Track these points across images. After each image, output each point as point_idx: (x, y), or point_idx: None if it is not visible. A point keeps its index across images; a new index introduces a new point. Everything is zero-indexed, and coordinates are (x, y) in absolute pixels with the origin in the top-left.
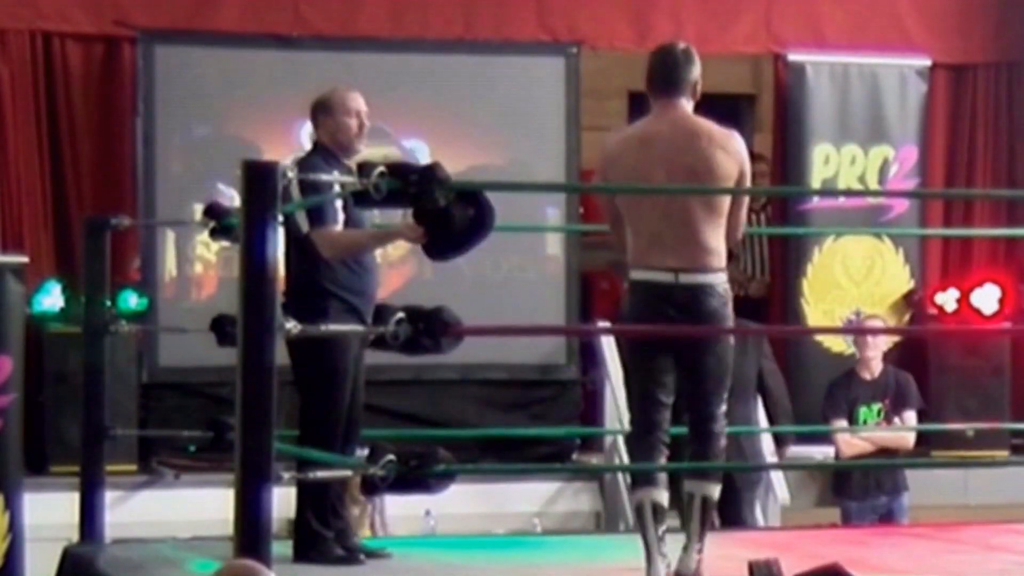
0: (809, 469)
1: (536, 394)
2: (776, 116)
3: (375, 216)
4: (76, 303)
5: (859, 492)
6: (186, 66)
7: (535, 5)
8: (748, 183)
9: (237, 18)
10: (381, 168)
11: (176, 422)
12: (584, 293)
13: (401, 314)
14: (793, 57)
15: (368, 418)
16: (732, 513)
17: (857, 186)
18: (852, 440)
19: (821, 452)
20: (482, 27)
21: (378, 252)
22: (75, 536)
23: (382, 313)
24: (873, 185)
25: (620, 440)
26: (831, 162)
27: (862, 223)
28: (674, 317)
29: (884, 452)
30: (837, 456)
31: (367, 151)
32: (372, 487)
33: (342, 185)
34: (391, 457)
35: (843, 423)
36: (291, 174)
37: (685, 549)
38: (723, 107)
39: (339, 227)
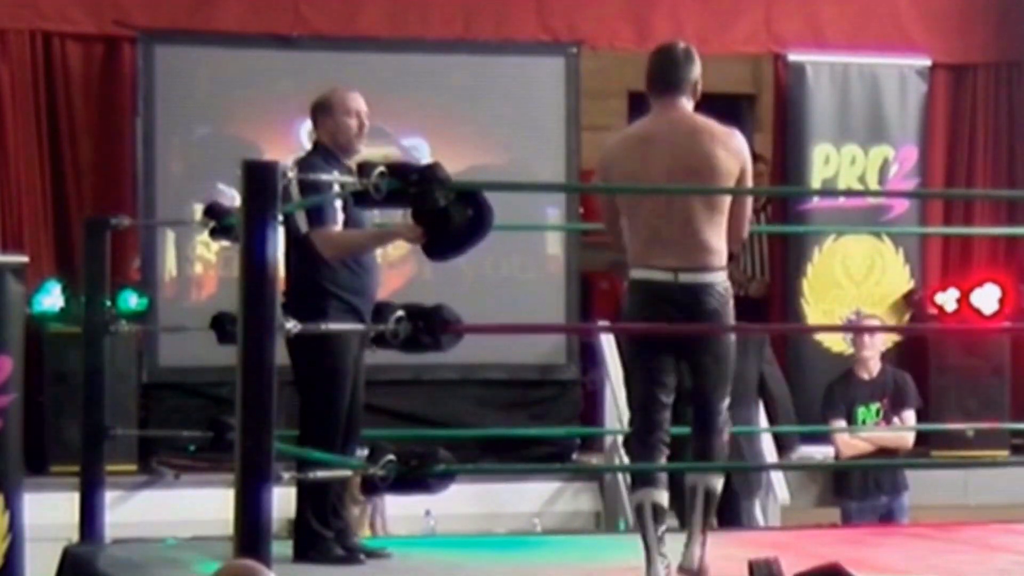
0: (809, 469)
1: (536, 394)
2: (776, 116)
3: (375, 216)
4: (76, 303)
5: (859, 492)
6: (186, 66)
7: (535, 5)
8: (750, 182)
9: (237, 18)
10: (381, 168)
11: (176, 422)
12: (584, 293)
13: (401, 312)
14: (793, 57)
15: (368, 418)
16: (729, 520)
17: (857, 186)
18: (851, 440)
19: (821, 452)
20: (482, 27)
21: (378, 252)
22: (75, 536)
23: (382, 311)
24: (873, 185)
25: (620, 440)
26: (831, 162)
27: (862, 223)
28: (674, 317)
29: (883, 452)
30: (837, 457)
31: (367, 151)
32: (372, 487)
33: (342, 185)
34: (391, 457)
35: (842, 423)
36: (291, 174)
37: (687, 544)
38: (723, 107)
39: (338, 227)
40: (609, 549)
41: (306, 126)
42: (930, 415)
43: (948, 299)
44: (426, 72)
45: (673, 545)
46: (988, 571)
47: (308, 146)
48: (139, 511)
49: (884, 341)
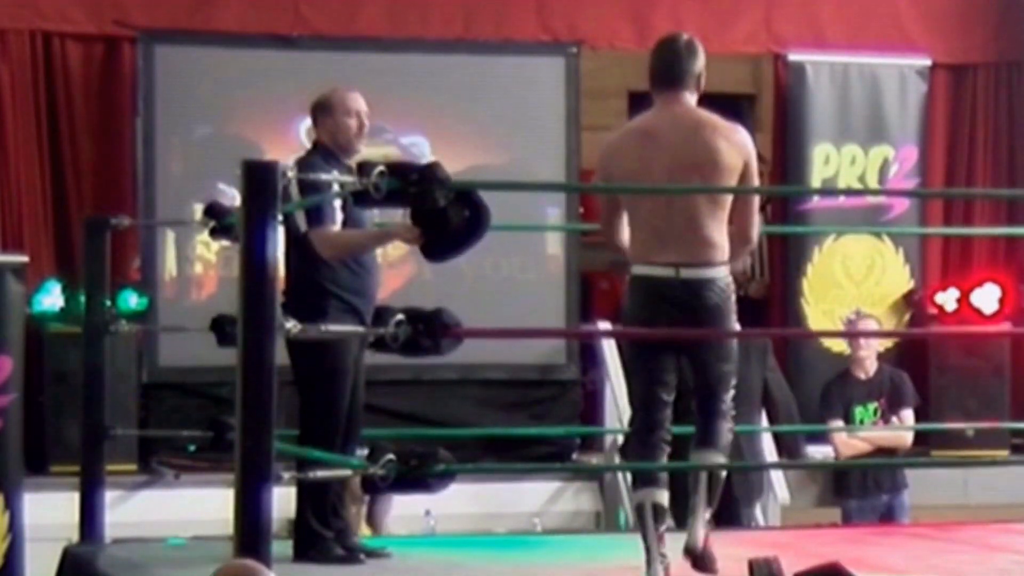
0: (809, 469)
1: (536, 394)
2: (776, 116)
3: (375, 216)
4: (76, 303)
5: (859, 491)
6: (186, 66)
7: (535, 5)
8: (755, 178)
9: (237, 18)
10: (381, 168)
11: (176, 422)
12: (584, 293)
13: (401, 316)
14: (793, 57)
15: (368, 418)
16: (729, 525)
17: (857, 186)
18: (850, 440)
19: (820, 452)
20: (482, 27)
21: (378, 252)
22: (75, 536)
23: (382, 315)
24: (873, 185)
25: (620, 440)
26: (831, 162)
27: (862, 223)
28: (675, 314)
29: (882, 451)
30: (836, 457)
31: (367, 151)
32: (372, 487)
33: (342, 185)
34: (391, 457)
35: (839, 424)
36: (291, 174)
37: (691, 524)
38: (723, 107)
39: (337, 227)
40: (609, 549)
41: (305, 124)
42: (930, 415)
43: (948, 299)
44: (426, 72)
45: (673, 545)
46: (988, 571)
47: (308, 145)
48: (139, 511)
49: (881, 341)
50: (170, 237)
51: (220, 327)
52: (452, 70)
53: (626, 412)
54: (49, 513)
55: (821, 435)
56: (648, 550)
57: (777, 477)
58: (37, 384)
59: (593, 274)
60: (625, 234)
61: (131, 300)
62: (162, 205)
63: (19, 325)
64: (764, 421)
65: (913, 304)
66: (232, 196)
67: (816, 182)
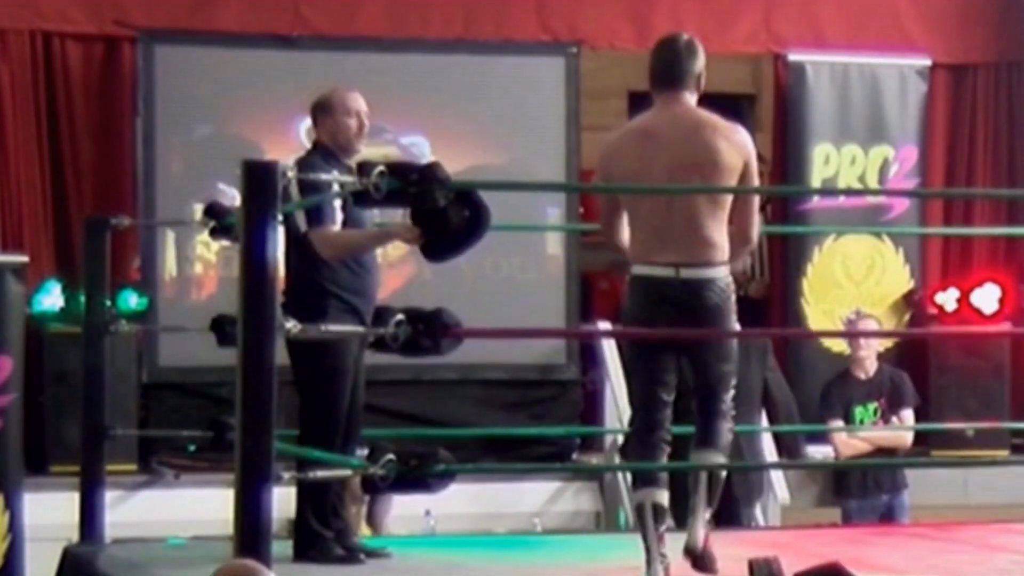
0: (809, 469)
1: (536, 394)
2: (776, 116)
3: (375, 216)
4: (76, 303)
5: (859, 491)
6: (186, 66)
7: (535, 5)
8: (755, 178)
9: (237, 18)
10: (381, 168)
11: (176, 422)
12: (584, 293)
13: (401, 316)
14: (793, 57)
15: (368, 418)
16: (729, 525)
17: (857, 186)
18: (850, 440)
19: (820, 452)
20: (482, 27)
21: (378, 252)
22: (75, 536)
23: (382, 315)
24: (873, 185)
25: (620, 440)
26: (831, 162)
27: (862, 223)
28: (675, 313)
29: (882, 451)
30: (836, 457)
31: (367, 151)
32: (372, 487)
33: (341, 185)
34: (391, 457)
35: (839, 424)
36: (291, 174)
37: (690, 524)
38: (723, 107)
39: (337, 227)
40: (609, 549)
41: (305, 124)
42: (930, 415)
43: (948, 299)
44: (426, 72)
45: (673, 545)
46: (988, 571)
47: (308, 145)
48: (139, 511)
49: (882, 341)
50: (170, 237)
51: (220, 327)
52: (452, 70)
53: (626, 412)
54: (49, 513)
55: (821, 435)
56: (648, 550)
57: (777, 477)
58: (37, 384)
59: (593, 274)
60: (625, 234)
61: (131, 300)
62: (162, 205)
63: (19, 325)
64: (764, 421)
65: (913, 304)
66: (232, 196)
67: (816, 182)
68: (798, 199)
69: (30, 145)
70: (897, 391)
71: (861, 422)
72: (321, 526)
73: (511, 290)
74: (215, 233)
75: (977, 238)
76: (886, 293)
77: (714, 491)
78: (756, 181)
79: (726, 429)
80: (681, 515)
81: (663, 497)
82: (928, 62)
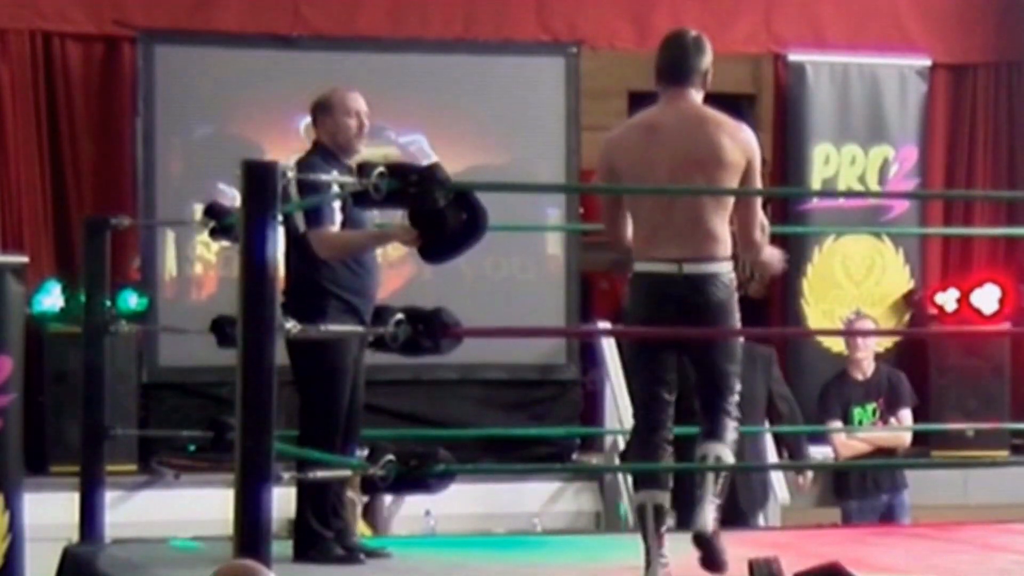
0: (809, 469)
1: (536, 394)
2: (776, 116)
3: (375, 216)
4: (76, 303)
5: (859, 492)
6: (186, 66)
7: (535, 5)
8: (758, 178)
9: (237, 18)
10: (381, 168)
11: (176, 422)
12: (584, 293)
13: (400, 315)
14: (793, 57)
15: (368, 418)
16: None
17: (857, 186)
18: (849, 441)
19: (820, 453)
20: (482, 27)
21: (378, 252)
22: (75, 536)
23: (381, 314)
24: (873, 185)
25: (620, 440)
26: (831, 162)
27: (862, 223)
28: (677, 312)
29: (881, 452)
30: (835, 458)
31: (367, 151)
32: (372, 487)
33: (341, 185)
34: (391, 457)
35: (838, 425)
36: (290, 174)
37: (698, 510)
38: (723, 107)
39: (336, 228)
40: (609, 549)
41: (305, 120)
42: (930, 415)
43: (948, 299)
44: (426, 72)
45: (673, 546)
46: (988, 571)
47: (307, 142)
48: (139, 511)
49: (879, 341)
50: (170, 237)
51: (220, 328)
52: (452, 70)
53: (626, 412)
54: (49, 513)
55: (821, 436)
56: (648, 551)
57: (777, 477)
58: (37, 384)
59: (593, 274)
60: (630, 231)
61: (131, 300)
62: (162, 205)
63: (19, 325)
64: (769, 438)
65: (913, 304)
66: (232, 196)
67: (816, 182)
68: (798, 199)
69: (30, 145)
70: (895, 391)
71: (860, 423)
72: (321, 526)
73: (511, 290)
74: (215, 233)
75: (977, 238)
76: (886, 293)
77: (720, 481)
78: (759, 181)
79: (732, 427)
80: (684, 515)
81: (664, 499)
82: (928, 62)
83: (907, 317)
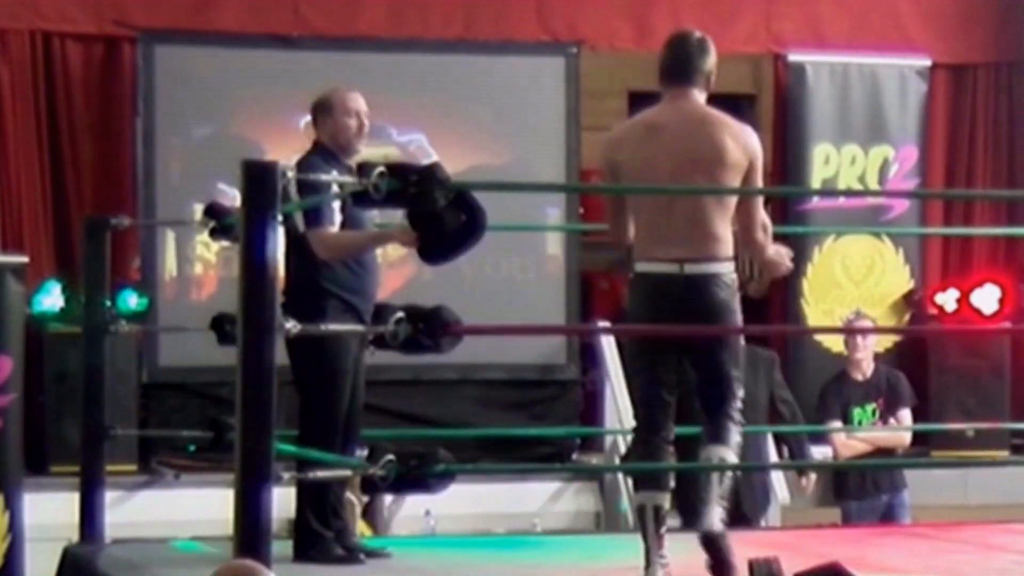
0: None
1: (536, 394)
2: (776, 116)
3: (375, 216)
4: (76, 303)
5: (858, 492)
6: (186, 66)
7: (535, 5)
8: (759, 179)
9: (237, 18)
10: (381, 168)
11: (176, 422)
12: (584, 293)
13: (400, 313)
14: (793, 57)
15: (368, 418)
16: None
17: (857, 186)
18: (849, 441)
19: (820, 453)
20: (482, 27)
21: (378, 252)
22: (75, 536)
23: (381, 312)
24: (873, 185)
25: (620, 440)
26: (831, 162)
27: (862, 223)
28: (678, 314)
29: (881, 452)
30: (835, 459)
31: (367, 151)
32: (372, 487)
33: (341, 185)
34: (391, 457)
35: (837, 425)
36: (290, 174)
37: (704, 510)
38: (723, 107)
39: (335, 228)
40: (609, 549)
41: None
42: (930, 415)
43: (948, 299)
44: (426, 72)
45: (673, 546)
46: (988, 571)
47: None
48: (139, 511)
49: (879, 341)
50: (170, 237)
51: (220, 326)
52: (452, 70)
53: (626, 412)
54: (49, 513)
55: (821, 436)
56: (648, 551)
57: (777, 477)
58: (37, 384)
59: (593, 274)
60: (633, 231)
61: (131, 300)
62: (162, 205)
63: (19, 325)
64: (770, 440)
65: (913, 304)
66: (232, 196)
67: (816, 182)
68: (798, 199)
69: (30, 145)
70: (894, 391)
71: (860, 423)
72: (321, 526)
73: (511, 290)
74: (215, 233)
75: (977, 238)
76: (886, 293)
77: (726, 484)
78: (761, 182)
79: (736, 431)
80: (689, 519)
81: (664, 500)
82: (928, 62)
83: (907, 317)
